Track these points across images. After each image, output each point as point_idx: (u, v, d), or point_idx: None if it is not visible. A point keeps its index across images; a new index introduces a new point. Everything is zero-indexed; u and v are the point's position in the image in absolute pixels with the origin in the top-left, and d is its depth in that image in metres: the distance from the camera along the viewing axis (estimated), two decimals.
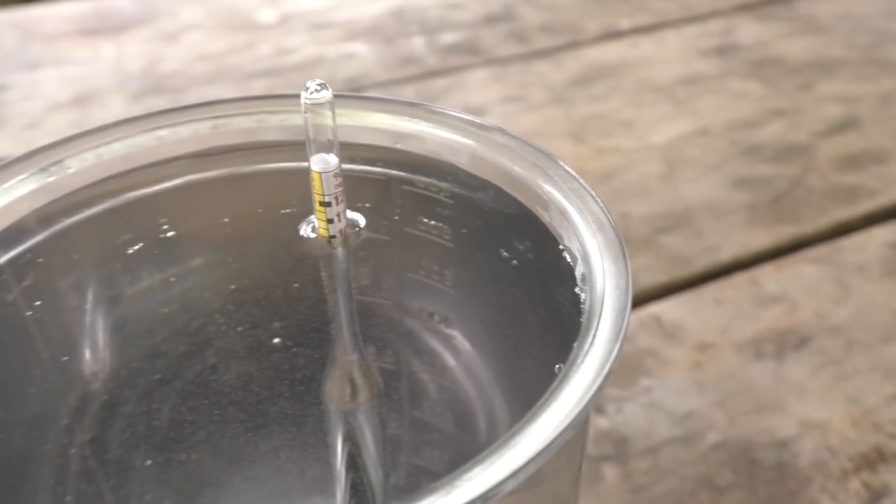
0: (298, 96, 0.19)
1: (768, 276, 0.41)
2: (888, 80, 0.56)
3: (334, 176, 0.17)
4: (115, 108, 0.57)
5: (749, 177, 0.47)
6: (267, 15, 0.68)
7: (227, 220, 0.19)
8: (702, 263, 0.42)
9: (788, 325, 0.38)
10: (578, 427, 0.11)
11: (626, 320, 0.13)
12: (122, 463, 0.17)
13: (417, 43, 0.63)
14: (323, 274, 0.18)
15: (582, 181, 0.16)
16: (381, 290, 0.19)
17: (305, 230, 0.18)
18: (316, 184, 0.17)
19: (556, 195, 0.16)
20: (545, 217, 0.16)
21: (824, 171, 0.48)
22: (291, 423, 0.19)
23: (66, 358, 0.17)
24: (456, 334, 0.18)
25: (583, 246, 0.15)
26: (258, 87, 0.58)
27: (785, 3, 0.67)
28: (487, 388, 0.17)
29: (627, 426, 0.33)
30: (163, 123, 0.18)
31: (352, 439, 0.18)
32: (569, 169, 0.16)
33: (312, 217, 0.18)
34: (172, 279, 0.18)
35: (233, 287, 0.19)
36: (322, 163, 0.17)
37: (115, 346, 0.17)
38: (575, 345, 0.13)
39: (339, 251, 0.17)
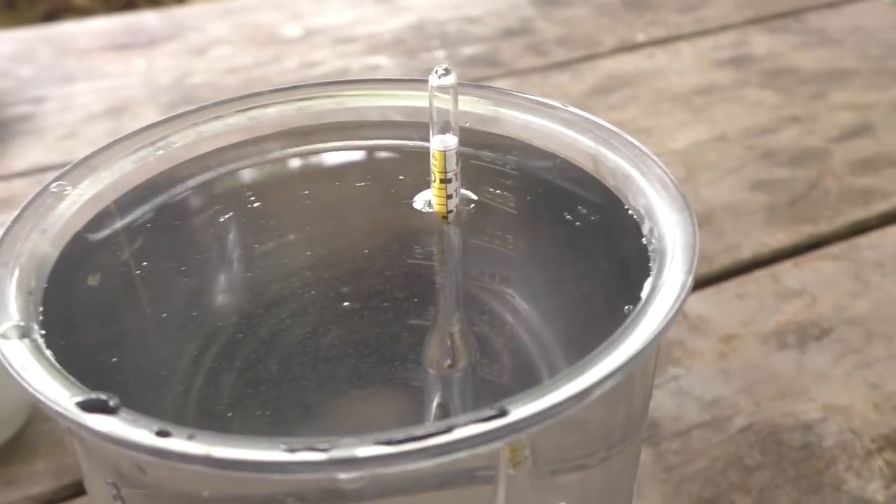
0: (373, 81, 0.20)
1: (788, 273, 0.42)
2: None
3: (455, 155, 0.18)
4: (148, 118, 0.58)
5: (767, 180, 0.49)
6: (292, 30, 0.70)
7: (306, 192, 0.21)
8: (723, 261, 0.43)
9: (809, 318, 0.39)
10: (660, 341, 0.13)
11: (695, 256, 0.15)
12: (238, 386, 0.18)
13: (438, 56, 0.65)
14: (435, 248, 0.19)
15: (644, 147, 0.18)
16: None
17: (420, 205, 0.20)
18: (438, 162, 0.18)
19: (620, 161, 0.18)
20: (609, 181, 0.18)
21: (839, 174, 0.49)
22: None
23: (164, 314, 0.18)
24: (515, 292, 0.20)
25: (648, 203, 0.17)
26: None
27: (795, 17, 0.69)
28: (550, 339, 0.19)
29: (658, 411, 0.35)
30: (254, 104, 0.20)
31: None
32: (630, 138, 0.18)
33: (425, 192, 0.20)
34: (256, 246, 0.20)
35: (308, 253, 0.20)
36: (443, 143, 0.18)
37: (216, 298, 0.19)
38: (650, 279, 0.14)
39: (452, 226, 0.19)
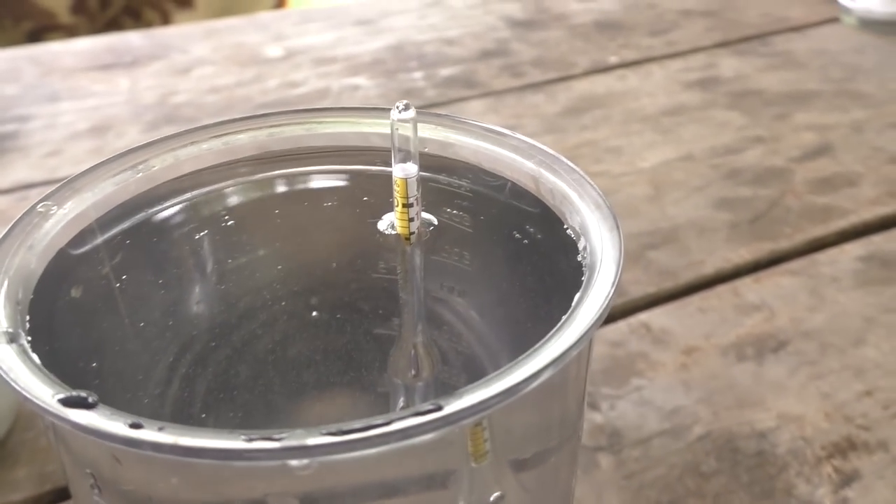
0: (339, 109, 0.22)
1: (748, 288, 0.44)
2: (859, 110, 0.60)
3: (416, 182, 0.20)
4: (132, 137, 0.60)
5: (730, 198, 0.51)
6: (273, 51, 0.72)
7: (277, 212, 0.22)
8: (687, 276, 0.45)
9: (767, 331, 0.41)
10: (587, 342, 0.14)
11: (619, 268, 0.16)
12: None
13: (417, 77, 0.67)
14: (398, 266, 0.21)
15: (581, 171, 0.19)
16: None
17: (384, 227, 0.21)
18: (399, 188, 0.20)
19: (560, 184, 0.19)
20: (549, 201, 0.19)
21: (800, 192, 0.51)
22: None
23: (142, 323, 0.20)
24: (470, 304, 0.21)
25: (583, 223, 0.18)
26: None
27: (762, 40, 0.71)
28: (500, 347, 0.20)
29: (620, 420, 0.36)
30: (227, 131, 0.21)
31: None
32: (570, 163, 0.20)
33: (389, 215, 0.21)
34: (229, 261, 0.21)
35: (279, 267, 0.22)
36: (404, 171, 0.20)
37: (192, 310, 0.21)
38: (580, 291, 0.16)
39: (414, 247, 0.20)
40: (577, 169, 0.19)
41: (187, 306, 0.21)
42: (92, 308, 0.19)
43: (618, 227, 0.17)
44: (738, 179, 0.52)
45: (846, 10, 0.72)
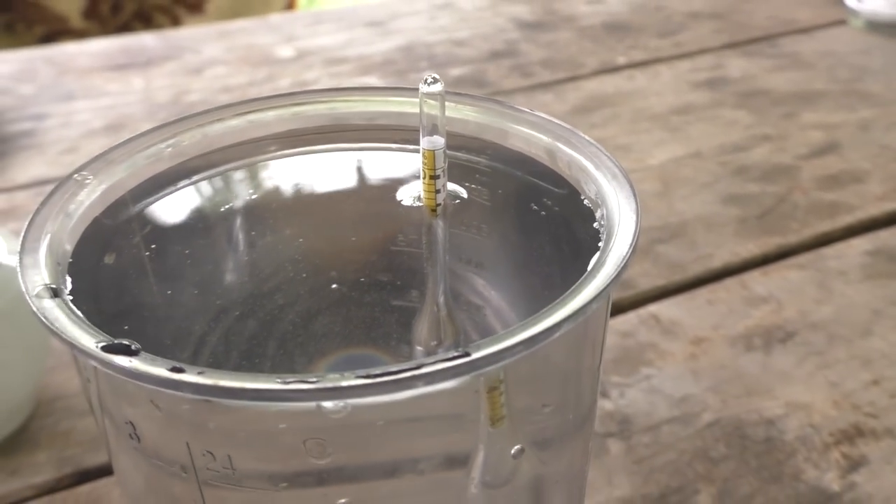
0: (363, 88, 0.23)
1: (756, 281, 0.44)
2: (866, 109, 0.60)
3: (443, 154, 0.20)
4: None
5: (738, 194, 0.51)
6: (285, 51, 0.72)
7: (301, 187, 0.23)
8: (695, 270, 0.45)
9: (775, 322, 0.41)
10: (606, 299, 0.15)
11: (637, 229, 0.17)
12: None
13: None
14: (424, 238, 0.21)
15: (597, 144, 0.20)
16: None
17: (408, 200, 0.22)
18: (427, 160, 0.20)
19: (576, 156, 0.20)
20: (567, 173, 0.20)
21: (807, 189, 0.52)
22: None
23: (170, 291, 0.20)
24: (488, 275, 0.22)
25: (601, 192, 0.19)
26: None
27: (770, 41, 0.71)
28: (518, 316, 0.21)
29: (630, 408, 0.37)
30: (253, 108, 0.22)
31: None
32: (586, 136, 0.20)
33: (411, 187, 0.22)
34: (253, 233, 0.22)
35: (301, 240, 0.22)
36: (431, 143, 0.20)
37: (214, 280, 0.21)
38: (598, 252, 0.16)
39: (439, 219, 0.21)
40: (594, 142, 0.20)
41: (213, 278, 0.21)
42: (124, 275, 0.20)
43: (634, 195, 0.18)
44: (746, 176, 0.53)
45: (853, 13, 0.73)
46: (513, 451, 0.17)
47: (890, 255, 0.46)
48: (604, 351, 0.19)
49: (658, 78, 0.66)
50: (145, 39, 0.76)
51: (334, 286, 0.21)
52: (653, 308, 0.43)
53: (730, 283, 0.44)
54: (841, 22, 0.74)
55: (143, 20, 1.15)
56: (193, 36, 0.77)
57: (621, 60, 0.69)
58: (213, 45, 0.74)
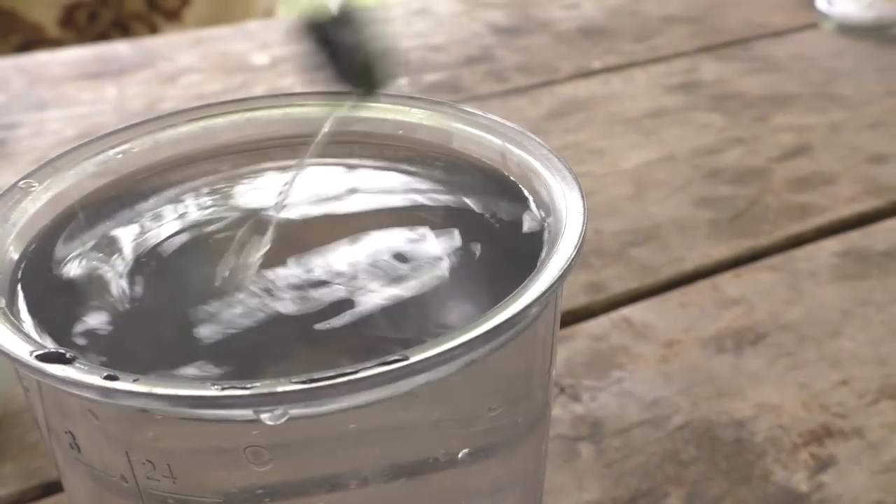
0: (315, 93, 0.23)
1: (728, 283, 0.44)
2: (837, 112, 0.61)
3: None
4: None
5: (711, 197, 0.51)
6: (260, 58, 0.72)
7: (253, 187, 0.23)
8: (668, 272, 0.45)
9: (746, 324, 0.41)
10: (550, 299, 0.15)
11: (582, 233, 0.17)
12: None
13: (401, 83, 0.67)
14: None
15: (546, 146, 0.20)
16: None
17: None
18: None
19: (528, 158, 0.20)
20: (518, 175, 0.20)
21: (779, 191, 0.52)
22: None
23: (120, 300, 0.20)
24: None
25: (551, 195, 0.19)
26: None
27: (743, 45, 0.72)
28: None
29: (601, 411, 0.37)
30: (205, 114, 0.22)
31: None
32: (536, 138, 0.20)
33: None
34: (209, 241, 0.22)
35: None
36: None
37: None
38: (542, 254, 0.16)
39: None
40: (543, 143, 0.20)
41: (163, 279, 0.21)
42: (71, 284, 0.19)
43: (582, 197, 0.18)
44: (719, 179, 0.53)
45: (825, 17, 0.73)
46: (460, 455, 0.17)
47: (859, 255, 0.46)
48: (555, 353, 0.19)
49: (633, 82, 0.66)
50: (119, 48, 0.76)
51: (287, 282, 0.21)
52: (625, 311, 0.43)
53: (702, 285, 0.44)
54: (812, 25, 0.75)
55: (121, 29, 1.14)
56: (168, 43, 0.76)
57: (596, 65, 0.69)
58: (188, 52, 0.74)
